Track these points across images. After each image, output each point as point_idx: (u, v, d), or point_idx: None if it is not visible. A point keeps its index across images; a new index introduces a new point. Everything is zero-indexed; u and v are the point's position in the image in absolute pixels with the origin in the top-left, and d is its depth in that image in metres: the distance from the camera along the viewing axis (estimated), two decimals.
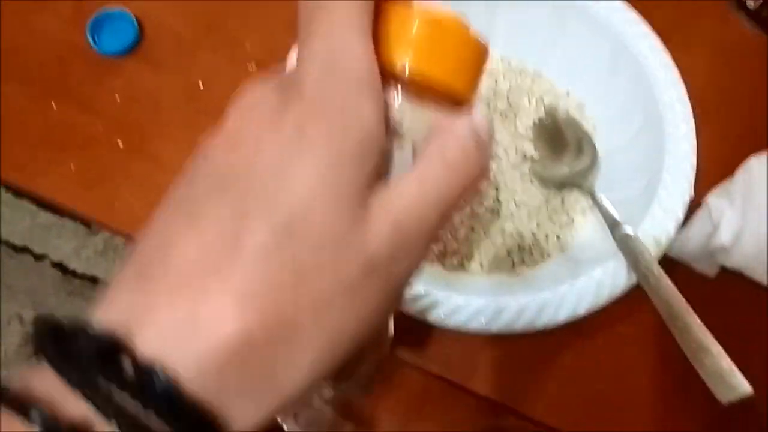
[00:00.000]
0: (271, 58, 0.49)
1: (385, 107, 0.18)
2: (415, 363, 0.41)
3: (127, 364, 0.15)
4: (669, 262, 0.43)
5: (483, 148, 0.19)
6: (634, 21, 0.43)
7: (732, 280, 0.42)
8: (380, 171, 0.18)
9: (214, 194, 0.17)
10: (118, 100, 0.49)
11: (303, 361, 0.17)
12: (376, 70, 0.18)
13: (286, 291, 0.16)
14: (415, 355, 0.41)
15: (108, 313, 0.16)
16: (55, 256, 1.08)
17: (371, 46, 0.18)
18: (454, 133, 0.19)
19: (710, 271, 0.43)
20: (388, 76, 0.19)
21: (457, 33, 0.19)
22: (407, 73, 0.19)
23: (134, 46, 0.51)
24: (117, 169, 0.47)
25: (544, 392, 0.40)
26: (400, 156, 0.19)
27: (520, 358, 0.41)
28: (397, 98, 0.19)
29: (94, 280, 1.08)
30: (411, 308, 0.37)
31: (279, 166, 0.17)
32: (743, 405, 0.31)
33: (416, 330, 0.41)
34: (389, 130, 0.19)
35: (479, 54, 0.20)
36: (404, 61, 0.19)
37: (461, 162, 0.19)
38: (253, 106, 0.18)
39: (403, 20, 0.19)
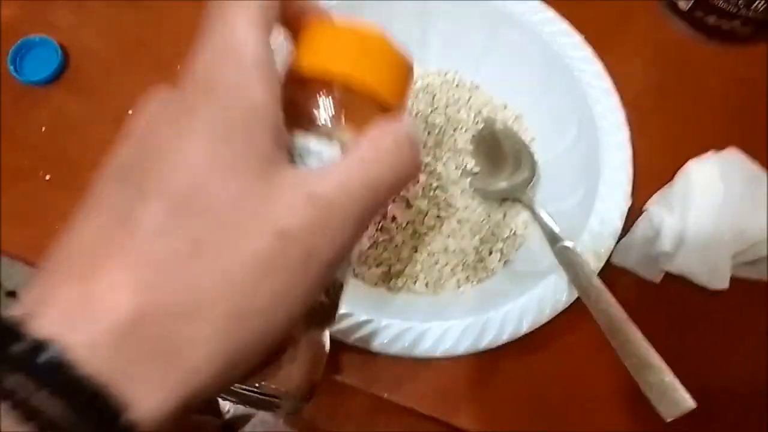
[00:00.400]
0: None
1: (284, 98, 0.19)
2: (359, 386, 0.40)
3: (20, 347, 0.15)
4: (613, 270, 0.43)
5: (415, 145, 0.20)
6: (565, 32, 0.43)
7: (677, 284, 0.42)
8: (279, 149, 0.19)
9: (113, 185, 0.18)
10: (44, 131, 0.47)
11: (208, 335, 0.16)
12: (271, 58, 0.19)
13: (186, 266, 0.16)
14: (358, 377, 0.40)
15: (17, 309, 0.16)
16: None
17: (266, 39, 0.19)
18: (386, 129, 0.20)
19: (655, 277, 0.43)
20: (320, 85, 0.21)
21: (382, 46, 0.21)
22: (339, 79, 0.21)
23: (59, 74, 0.49)
24: (45, 204, 0.45)
25: (491, 407, 0.40)
26: (329, 153, 0.20)
27: (466, 375, 0.40)
28: (328, 108, 0.21)
29: None
30: (351, 336, 0.36)
31: (172, 146, 0.17)
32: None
33: (358, 351, 0.40)
34: (303, 122, 0.21)
35: (404, 66, 0.22)
36: (335, 69, 0.21)
37: (394, 152, 0.19)
38: (149, 104, 0.19)
39: (332, 34, 0.21)
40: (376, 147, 0.19)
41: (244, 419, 0.77)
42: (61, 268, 0.17)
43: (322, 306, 0.24)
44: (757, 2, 0.45)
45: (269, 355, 0.19)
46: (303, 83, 0.21)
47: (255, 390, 0.22)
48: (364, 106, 0.21)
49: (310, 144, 0.20)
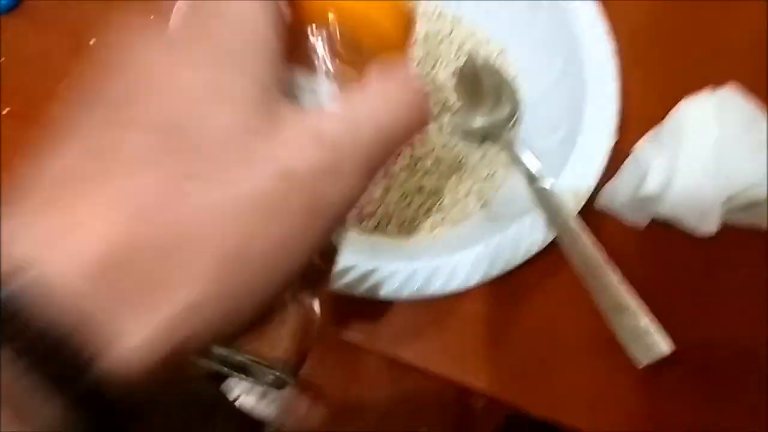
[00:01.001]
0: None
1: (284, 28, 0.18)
2: (342, 336, 0.38)
3: None
4: (597, 215, 0.40)
5: (425, 95, 0.19)
6: None
7: (663, 230, 0.40)
8: (280, 84, 0.17)
9: (91, 113, 0.16)
10: (1, 62, 0.45)
11: (199, 273, 0.15)
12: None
13: (176, 200, 0.15)
14: (338, 327, 0.39)
15: None
16: None
17: None
18: (395, 75, 0.18)
19: (641, 221, 0.41)
20: (321, 24, 0.20)
21: None
22: (344, 12, 0.20)
23: (16, 4, 0.46)
24: (3, 138, 0.43)
25: (471, 355, 0.38)
26: (330, 94, 0.20)
27: (445, 322, 0.39)
28: (328, 46, 0.20)
29: None
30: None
31: (163, 73, 0.16)
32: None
33: (337, 301, 0.38)
34: (308, 61, 0.20)
35: (406, 12, 0.21)
36: (341, 7, 0.20)
37: (404, 100, 0.18)
38: (138, 35, 0.18)
39: None
40: (385, 93, 0.18)
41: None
42: (36, 199, 0.15)
43: (315, 268, 0.22)
44: None
45: (262, 311, 0.17)
46: (303, 28, 0.20)
47: (241, 354, 0.20)
48: (367, 46, 0.20)
49: (312, 84, 0.19)
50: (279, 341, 0.21)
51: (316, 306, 0.22)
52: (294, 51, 0.20)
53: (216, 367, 0.21)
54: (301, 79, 0.20)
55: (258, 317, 0.18)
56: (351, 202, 0.17)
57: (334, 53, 0.20)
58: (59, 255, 0.14)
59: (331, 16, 0.20)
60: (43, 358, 0.13)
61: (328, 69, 0.20)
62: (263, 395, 0.81)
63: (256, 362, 0.20)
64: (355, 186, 0.17)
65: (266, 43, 0.17)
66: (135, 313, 0.14)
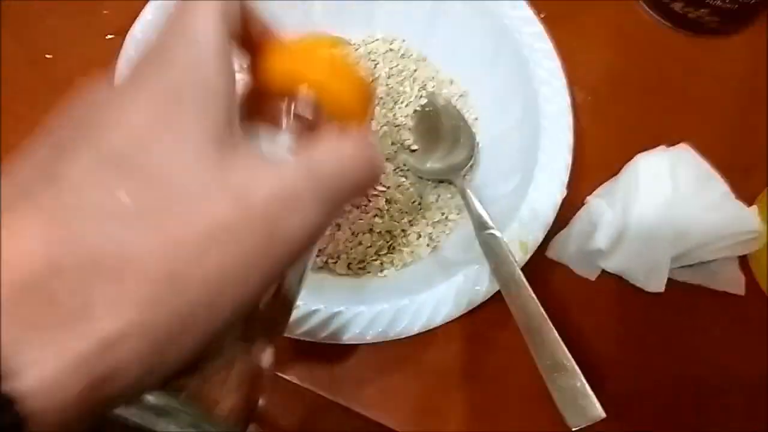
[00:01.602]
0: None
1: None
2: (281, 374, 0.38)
3: None
4: (549, 264, 0.40)
5: (378, 159, 0.19)
6: (518, 5, 0.40)
7: (613, 283, 0.40)
8: (234, 128, 0.17)
9: (42, 145, 0.16)
10: None
11: (132, 297, 0.14)
12: (229, 51, 0.18)
13: (113, 221, 0.14)
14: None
15: None
16: None
17: (227, 34, 0.18)
18: (351, 137, 0.19)
19: (591, 274, 0.41)
20: (284, 96, 0.21)
21: (347, 62, 0.22)
22: (313, 84, 0.21)
23: None
24: None
25: (413, 401, 0.37)
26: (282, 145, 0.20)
27: (384, 365, 0.38)
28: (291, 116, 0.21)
29: None
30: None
31: (113, 106, 0.16)
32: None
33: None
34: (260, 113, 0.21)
35: (366, 85, 0.22)
36: (306, 76, 0.21)
37: (358, 155, 0.18)
38: (89, 85, 0.18)
39: (298, 48, 0.22)
40: (340, 146, 0.18)
41: None
42: None
43: (270, 315, 0.21)
44: None
45: (202, 348, 0.16)
46: (263, 98, 0.21)
47: (181, 403, 0.18)
48: (329, 113, 0.21)
49: (273, 138, 0.20)
50: (225, 388, 0.19)
51: (269, 355, 0.21)
52: (257, 110, 0.21)
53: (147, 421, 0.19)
54: (263, 135, 0.20)
55: (197, 356, 0.16)
56: (310, 236, 0.17)
57: (296, 115, 0.21)
58: None
59: (296, 82, 0.21)
60: None
61: (290, 127, 0.20)
62: None
63: (198, 414, 0.18)
64: (314, 217, 0.17)
65: (218, 87, 0.17)
66: (47, 342, 0.13)
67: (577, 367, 0.30)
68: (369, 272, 0.39)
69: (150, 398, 0.17)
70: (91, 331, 0.13)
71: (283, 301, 0.21)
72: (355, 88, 0.22)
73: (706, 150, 0.42)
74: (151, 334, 0.14)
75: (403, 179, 0.41)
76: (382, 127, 0.42)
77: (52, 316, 0.13)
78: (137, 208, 0.15)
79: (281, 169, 0.16)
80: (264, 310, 0.20)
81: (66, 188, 0.14)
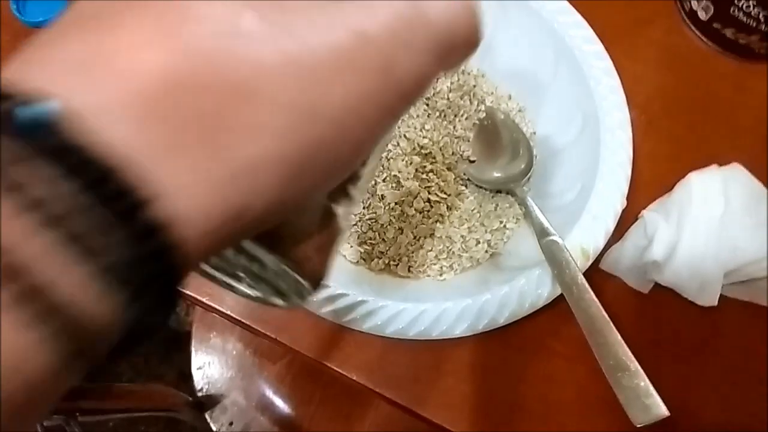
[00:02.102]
0: None
1: None
2: (333, 366, 0.39)
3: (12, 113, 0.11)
4: (603, 276, 0.41)
5: (480, 22, 0.17)
6: (578, 24, 0.42)
7: (665, 297, 0.41)
8: None
9: None
10: None
11: (265, 121, 0.13)
12: None
13: (240, 36, 0.13)
14: (333, 358, 0.39)
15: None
16: None
17: None
18: None
19: (643, 287, 0.42)
20: None
21: None
22: None
23: None
24: None
25: (467, 402, 0.39)
26: None
27: (441, 365, 0.39)
28: None
29: None
30: (329, 309, 0.35)
31: None
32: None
33: (335, 333, 0.39)
34: None
35: None
36: None
37: (464, 13, 0.16)
38: None
39: None
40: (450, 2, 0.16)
41: (215, 400, 0.77)
42: (69, 23, 0.12)
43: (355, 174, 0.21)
44: None
45: (320, 189, 0.16)
46: None
47: (271, 253, 0.18)
48: None
49: None
50: (312, 246, 0.20)
51: (348, 219, 0.21)
52: None
53: (239, 271, 0.20)
54: None
55: (311, 197, 0.16)
56: (418, 82, 0.16)
57: None
58: (93, 86, 0.11)
59: None
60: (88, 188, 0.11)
61: None
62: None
63: (285, 263, 0.19)
64: (424, 62, 0.16)
65: None
66: (189, 165, 0.12)
67: (640, 368, 0.31)
68: (429, 275, 0.40)
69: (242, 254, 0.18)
70: (231, 156, 0.12)
71: (365, 175, 0.21)
72: None
73: (756, 170, 0.43)
74: (285, 165, 0.13)
75: (464, 188, 0.42)
76: (443, 137, 0.44)
77: (188, 136, 0.12)
78: (264, 29, 0.13)
79: (395, 7, 0.15)
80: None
81: (185, 6, 0.13)
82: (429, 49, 0.16)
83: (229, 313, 0.39)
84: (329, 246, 0.21)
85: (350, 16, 0.14)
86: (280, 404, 0.73)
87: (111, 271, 0.11)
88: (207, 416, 0.73)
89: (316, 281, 0.21)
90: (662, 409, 0.30)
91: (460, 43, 0.17)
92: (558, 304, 0.37)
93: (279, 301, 0.22)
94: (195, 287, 0.40)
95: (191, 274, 0.14)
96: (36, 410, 0.11)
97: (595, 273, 0.41)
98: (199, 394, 0.78)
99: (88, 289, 0.11)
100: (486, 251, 0.41)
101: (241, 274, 0.20)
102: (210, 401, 0.75)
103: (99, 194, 0.11)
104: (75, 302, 0.11)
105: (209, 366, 0.74)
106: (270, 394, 0.72)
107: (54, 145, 0.11)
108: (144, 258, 0.11)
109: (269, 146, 0.13)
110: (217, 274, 0.20)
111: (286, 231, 0.19)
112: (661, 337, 0.40)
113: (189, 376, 0.80)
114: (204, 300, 0.40)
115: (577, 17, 0.42)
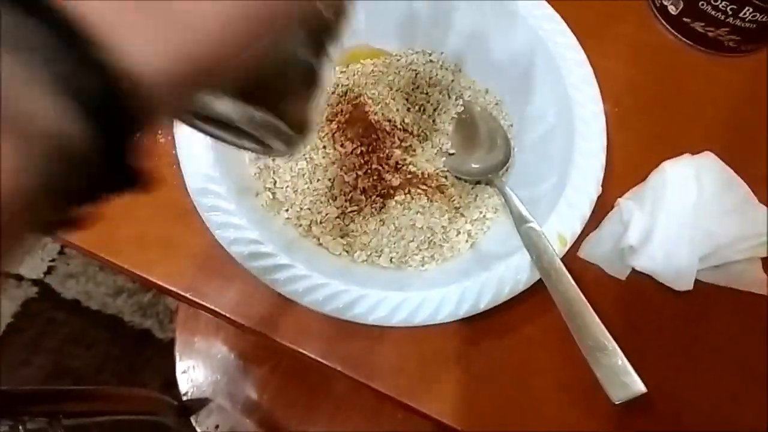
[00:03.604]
0: None
1: None
2: (318, 358, 0.39)
3: None
4: (582, 264, 0.42)
5: None
6: (552, 18, 0.43)
7: (642, 282, 0.42)
8: None
9: None
10: None
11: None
12: None
13: None
14: (318, 350, 0.39)
15: None
16: None
17: None
18: None
19: (621, 273, 0.42)
20: None
21: None
22: None
23: None
24: None
25: (448, 391, 0.39)
26: None
27: (425, 356, 0.40)
28: None
29: None
30: (305, 297, 0.36)
31: None
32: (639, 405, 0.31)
33: (317, 324, 0.39)
34: None
35: None
36: None
37: None
38: None
39: None
40: None
41: (200, 404, 0.76)
42: None
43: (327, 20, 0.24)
44: (745, 10, 0.45)
45: (267, 31, 0.19)
46: None
47: (260, 111, 0.22)
48: None
49: None
50: (298, 103, 0.23)
51: (329, 73, 0.25)
52: None
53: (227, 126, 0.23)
54: None
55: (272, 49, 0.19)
56: None
57: None
58: None
59: None
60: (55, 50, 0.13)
61: None
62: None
63: (271, 115, 0.22)
64: None
65: None
66: (143, 16, 0.15)
67: (617, 347, 0.32)
68: (411, 266, 0.41)
69: (234, 111, 0.22)
70: (179, 10, 0.15)
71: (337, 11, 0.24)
72: None
73: (728, 158, 0.44)
74: (224, 15, 0.16)
75: (444, 179, 0.43)
76: (423, 131, 0.44)
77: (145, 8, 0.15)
78: None
79: None
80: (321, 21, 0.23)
81: None
82: None
83: (211, 306, 0.40)
84: (312, 96, 0.24)
85: None
86: (266, 407, 0.73)
87: (71, 93, 0.14)
88: (192, 420, 0.73)
89: (303, 130, 0.24)
90: (640, 386, 0.30)
91: None
92: (537, 295, 0.37)
93: (278, 149, 0.25)
94: (178, 283, 0.40)
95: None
96: (25, 225, 0.14)
97: (574, 261, 0.42)
98: (185, 398, 0.77)
99: (60, 112, 0.13)
100: (467, 241, 0.41)
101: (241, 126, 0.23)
102: (195, 405, 0.75)
103: (64, 37, 0.13)
104: (50, 123, 0.13)
105: (194, 370, 0.74)
106: (255, 397, 0.72)
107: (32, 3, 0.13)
108: (101, 84, 0.14)
109: (216, 20, 0.16)
110: (212, 129, 0.24)
111: (272, 89, 0.22)
112: (639, 322, 0.41)
113: (174, 384, 0.79)
114: (187, 295, 0.40)
115: (551, 11, 0.43)
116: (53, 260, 1.11)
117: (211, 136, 0.25)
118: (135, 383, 1.00)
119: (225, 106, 0.22)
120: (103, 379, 1.02)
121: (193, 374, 0.73)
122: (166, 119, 0.19)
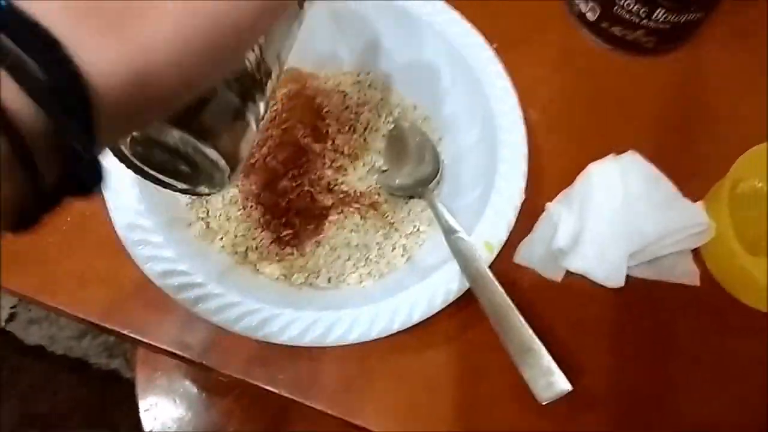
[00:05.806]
0: None
1: None
2: (263, 385, 0.39)
3: None
4: (518, 269, 0.43)
5: None
6: (469, 33, 0.44)
7: (577, 283, 0.43)
8: None
9: None
10: None
11: (168, 10, 0.17)
12: None
13: None
14: (263, 377, 0.39)
15: None
16: None
17: None
18: None
19: (556, 275, 0.43)
20: None
21: None
22: None
23: None
24: None
25: (396, 404, 0.39)
26: None
27: (371, 371, 0.40)
28: None
29: None
30: (238, 324, 0.36)
31: None
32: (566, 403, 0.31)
33: (258, 350, 0.39)
34: None
35: None
36: None
37: None
38: None
39: None
40: None
41: None
42: None
43: (257, 73, 0.26)
44: (657, 12, 0.47)
45: (219, 73, 0.21)
46: None
47: (195, 138, 0.24)
48: None
49: None
50: (226, 136, 0.25)
51: (258, 112, 0.27)
52: None
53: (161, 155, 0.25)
54: None
55: (210, 84, 0.21)
56: None
57: None
58: None
59: None
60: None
61: None
62: None
63: (207, 148, 0.24)
64: None
65: None
66: (104, 38, 0.16)
67: (543, 348, 0.33)
68: (349, 284, 0.41)
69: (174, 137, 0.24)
70: (137, 33, 0.16)
71: (266, 68, 0.26)
72: None
73: (652, 156, 0.45)
74: (180, 44, 0.17)
75: (377, 196, 0.44)
76: (354, 151, 0.45)
77: (103, 19, 0.16)
78: None
79: None
80: (251, 72, 0.26)
81: None
82: None
83: (150, 342, 0.39)
84: (242, 137, 0.26)
85: None
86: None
87: (35, 88, 0.15)
88: None
89: (233, 165, 0.26)
90: (564, 385, 0.31)
91: None
92: (477, 301, 0.38)
93: (204, 189, 0.27)
94: (117, 321, 0.40)
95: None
96: None
97: (510, 267, 0.42)
98: None
99: (25, 103, 0.15)
100: (402, 255, 0.42)
101: (174, 161, 0.25)
102: None
103: (29, 43, 0.15)
104: (17, 111, 0.14)
105: (157, 407, 0.73)
106: (221, 429, 0.71)
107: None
108: (59, 82, 0.15)
109: (168, 28, 0.17)
110: (146, 168, 0.26)
111: (206, 122, 0.25)
112: (575, 321, 0.42)
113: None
114: (125, 332, 0.40)
115: (468, 26, 0.44)
116: (14, 306, 1.09)
117: (141, 174, 0.26)
118: (105, 425, 0.98)
119: (167, 130, 0.24)
120: (72, 424, 1.00)
121: (156, 411, 0.72)
122: (115, 137, 0.20)
